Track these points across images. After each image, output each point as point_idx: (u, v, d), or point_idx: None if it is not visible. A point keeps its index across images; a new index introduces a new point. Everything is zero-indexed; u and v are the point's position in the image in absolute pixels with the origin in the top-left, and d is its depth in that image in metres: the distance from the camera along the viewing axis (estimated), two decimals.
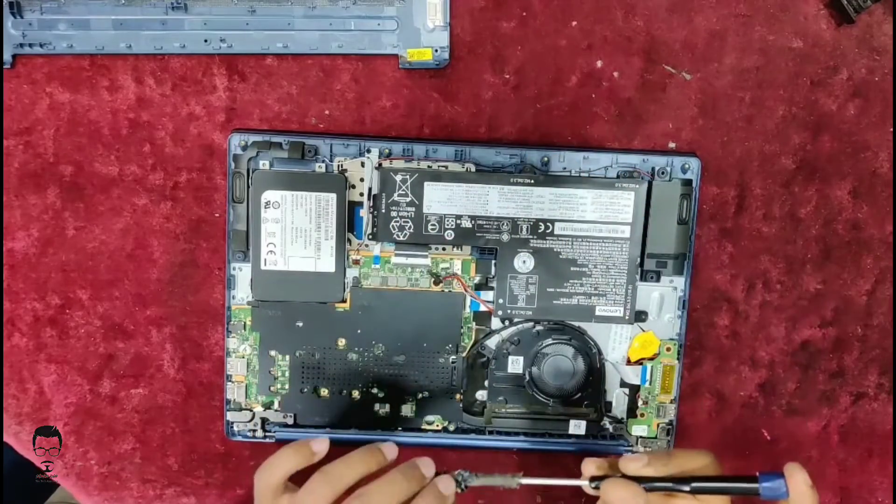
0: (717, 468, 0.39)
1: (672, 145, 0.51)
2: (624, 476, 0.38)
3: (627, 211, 0.49)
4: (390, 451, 0.41)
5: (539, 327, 0.51)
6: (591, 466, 0.39)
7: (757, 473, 0.36)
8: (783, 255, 0.52)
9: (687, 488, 0.37)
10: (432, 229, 0.49)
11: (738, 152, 0.51)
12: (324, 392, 0.52)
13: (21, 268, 0.52)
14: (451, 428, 0.53)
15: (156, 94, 0.50)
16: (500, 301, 0.50)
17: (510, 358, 0.52)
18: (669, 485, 0.37)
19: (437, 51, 0.49)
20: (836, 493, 0.55)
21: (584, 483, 0.39)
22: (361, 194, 0.49)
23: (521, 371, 0.52)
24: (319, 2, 0.49)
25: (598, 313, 0.50)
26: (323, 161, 0.49)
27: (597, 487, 0.38)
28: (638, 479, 0.38)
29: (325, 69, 0.50)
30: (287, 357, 0.51)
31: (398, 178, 0.49)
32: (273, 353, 0.51)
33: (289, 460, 0.41)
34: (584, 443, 0.52)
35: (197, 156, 0.51)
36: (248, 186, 0.49)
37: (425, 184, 0.49)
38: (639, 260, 0.50)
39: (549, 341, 0.51)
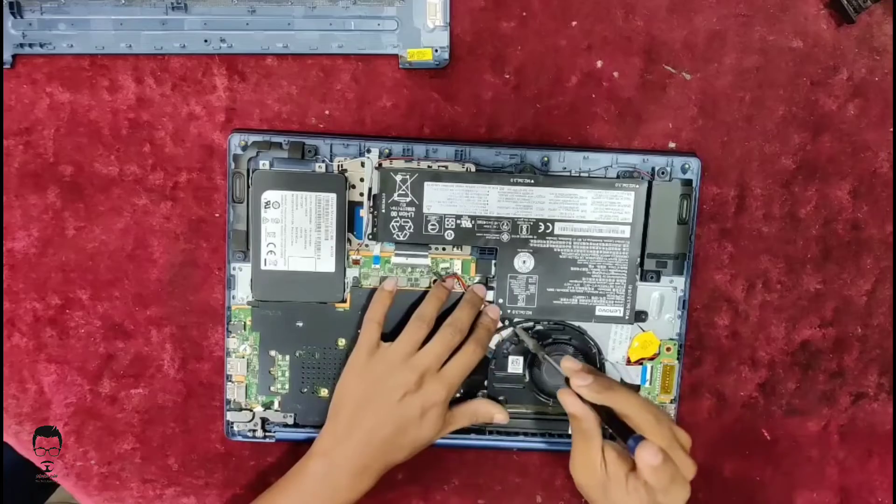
0: (642, 409, 0.43)
1: (672, 145, 0.51)
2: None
3: (627, 211, 0.49)
4: (450, 283, 0.50)
5: (539, 327, 0.51)
6: (571, 365, 0.46)
7: (630, 437, 0.41)
8: (783, 255, 0.52)
9: (605, 417, 0.43)
10: (432, 229, 0.49)
11: (738, 152, 0.51)
12: (324, 392, 0.52)
13: (21, 268, 0.52)
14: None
15: (156, 94, 0.50)
16: (500, 301, 0.50)
17: (510, 358, 0.52)
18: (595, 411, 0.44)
19: (437, 51, 0.49)
20: (836, 493, 0.55)
21: (557, 367, 0.46)
22: (361, 194, 0.49)
23: (521, 371, 0.52)
24: (319, 2, 0.49)
25: (598, 313, 0.50)
26: (323, 161, 0.49)
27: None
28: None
29: (325, 69, 0.50)
30: (287, 357, 0.51)
31: (398, 178, 0.49)
32: (273, 353, 0.51)
33: (386, 300, 0.50)
34: None
35: (197, 156, 0.51)
36: (248, 186, 0.49)
37: (425, 184, 0.49)
38: (639, 260, 0.50)
39: (549, 341, 0.51)
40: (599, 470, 0.43)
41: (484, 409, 0.50)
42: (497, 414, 0.50)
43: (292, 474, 0.48)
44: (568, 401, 0.45)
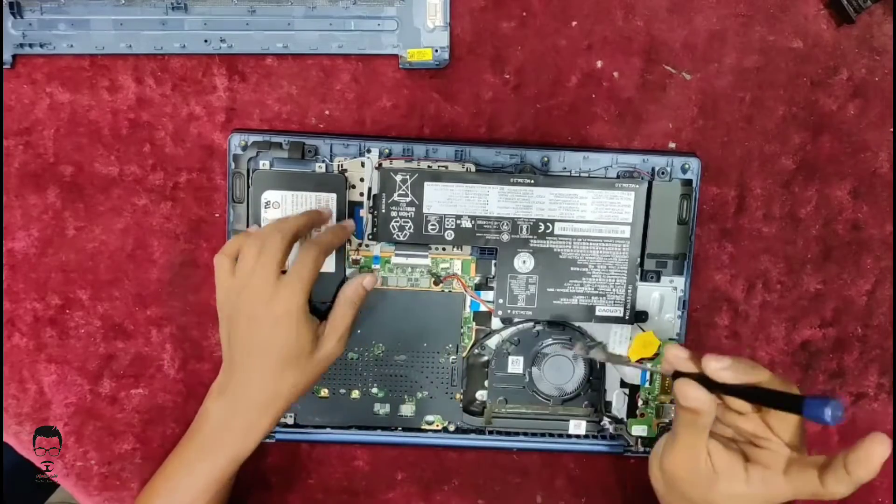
0: (783, 386, 0.38)
1: (672, 145, 0.51)
2: (699, 376, 0.38)
3: (627, 211, 0.49)
4: (326, 211, 0.49)
5: (539, 327, 0.51)
6: (673, 354, 0.39)
7: (820, 395, 0.35)
8: (783, 255, 0.52)
9: (751, 394, 0.36)
10: (432, 229, 0.49)
11: (738, 152, 0.51)
12: (324, 392, 0.52)
13: (21, 268, 0.52)
14: (451, 428, 0.53)
15: (156, 95, 0.50)
16: (500, 301, 0.50)
17: (510, 358, 0.52)
18: (728, 390, 0.37)
19: (437, 51, 0.49)
20: None
21: (655, 369, 0.41)
22: (361, 194, 0.49)
23: (521, 371, 0.52)
24: (319, 2, 0.49)
25: (598, 313, 0.50)
26: (323, 161, 0.49)
27: (674, 378, 0.39)
28: (705, 380, 0.37)
29: (325, 69, 0.50)
30: None
31: (398, 178, 0.49)
32: None
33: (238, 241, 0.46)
34: (584, 443, 0.52)
35: (197, 156, 0.51)
36: (248, 186, 0.49)
37: (425, 184, 0.49)
38: (639, 260, 0.50)
39: (549, 341, 0.51)
40: (706, 464, 0.38)
41: (352, 290, 0.47)
42: (365, 279, 0.48)
43: (195, 421, 0.47)
44: (691, 393, 0.37)
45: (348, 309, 0.47)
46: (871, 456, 0.34)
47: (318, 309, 0.47)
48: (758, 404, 0.37)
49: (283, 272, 0.44)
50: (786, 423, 0.37)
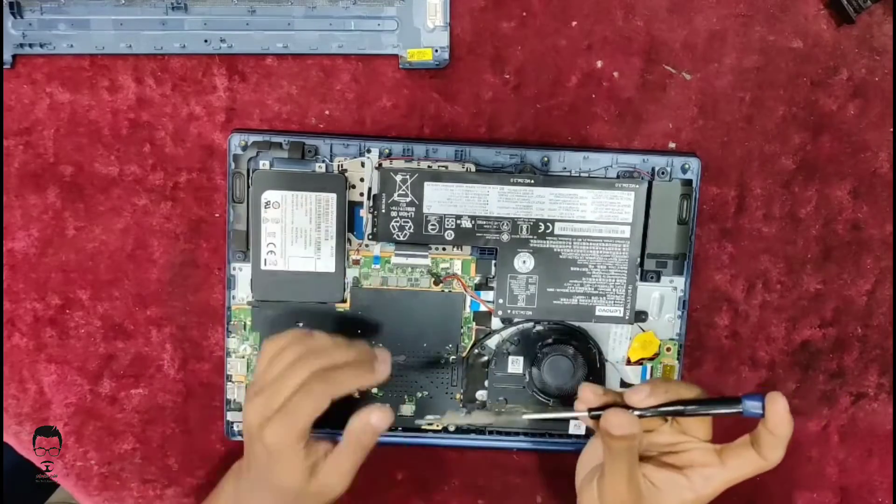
0: (692, 391, 0.40)
1: (672, 145, 0.51)
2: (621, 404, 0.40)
3: (627, 211, 0.49)
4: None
5: (539, 327, 0.51)
6: (589, 394, 0.40)
7: (740, 395, 0.39)
8: (783, 255, 0.52)
9: (683, 410, 0.39)
10: (432, 229, 0.49)
11: (738, 152, 0.51)
12: None
13: (21, 268, 0.52)
14: (451, 428, 0.53)
15: (156, 94, 0.50)
16: (500, 301, 0.50)
17: (510, 358, 0.52)
18: (671, 409, 0.39)
19: (437, 51, 0.49)
20: (836, 493, 0.55)
21: (581, 414, 0.40)
22: (361, 194, 0.49)
23: (521, 371, 0.52)
24: (319, 2, 0.49)
25: (598, 313, 0.50)
26: (323, 161, 0.49)
27: (594, 418, 0.40)
28: (634, 407, 0.39)
29: (325, 69, 0.50)
30: None
31: (398, 178, 0.49)
32: None
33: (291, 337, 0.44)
34: (584, 443, 0.52)
35: (197, 156, 0.51)
36: (248, 186, 0.49)
37: (425, 184, 0.49)
38: (639, 260, 0.50)
39: (549, 341, 0.51)
40: (646, 486, 0.40)
41: (360, 427, 0.42)
42: (373, 416, 0.42)
43: (211, 496, 0.47)
44: (622, 421, 0.38)
45: (354, 447, 0.42)
46: (781, 412, 0.38)
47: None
48: (693, 415, 0.39)
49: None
50: (699, 423, 0.40)
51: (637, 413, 0.39)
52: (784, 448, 0.39)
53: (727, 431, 0.42)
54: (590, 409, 0.40)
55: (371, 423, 0.42)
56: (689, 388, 0.40)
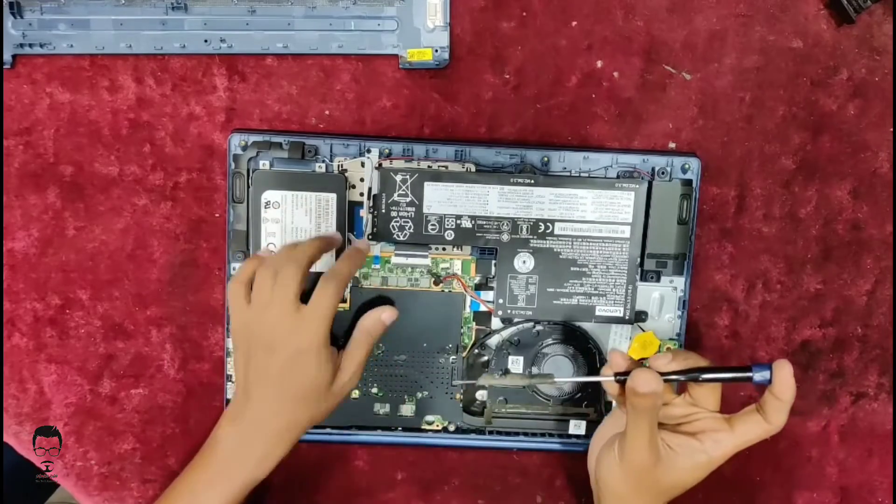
0: (703, 361, 0.43)
1: (672, 145, 0.51)
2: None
3: (627, 211, 0.49)
4: (337, 236, 0.49)
5: (539, 327, 0.51)
6: (618, 358, 0.43)
7: (750, 364, 0.42)
8: (783, 255, 0.52)
9: (699, 376, 0.42)
10: (432, 229, 0.49)
11: (738, 152, 0.51)
12: None
13: (21, 268, 0.52)
14: (451, 428, 0.53)
15: (156, 94, 0.50)
16: (500, 301, 0.50)
17: (510, 358, 0.52)
18: (686, 376, 0.42)
19: (437, 51, 0.49)
20: (836, 493, 0.55)
21: (608, 378, 0.43)
22: (361, 194, 0.49)
23: (521, 371, 0.52)
24: (319, 2, 0.49)
25: (598, 313, 0.50)
26: (323, 161, 0.49)
27: (619, 381, 0.42)
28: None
29: (325, 69, 0.50)
30: None
31: (398, 178, 0.49)
32: None
33: (251, 265, 0.46)
34: (584, 443, 0.52)
35: (197, 156, 0.51)
36: (248, 186, 0.49)
37: (425, 184, 0.49)
38: (639, 260, 0.50)
39: (549, 341, 0.51)
40: (664, 448, 0.42)
41: (371, 323, 0.47)
42: (384, 312, 0.47)
43: (205, 447, 0.47)
44: (648, 378, 0.40)
45: (365, 343, 0.47)
46: (786, 378, 0.40)
47: (336, 337, 0.46)
48: (708, 381, 0.42)
49: (302, 301, 0.44)
50: (709, 395, 0.43)
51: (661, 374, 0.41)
52: (787, 413, 0.41)
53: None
54: (616, 374, 0.42)
55: (382, 318, 0.47)
56: (704, 360, 0.43)
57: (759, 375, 0.41)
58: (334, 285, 0.44)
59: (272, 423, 0.45)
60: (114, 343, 0.52)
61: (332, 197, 0.49)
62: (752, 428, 0.42)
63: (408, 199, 0.49)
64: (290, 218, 0.49)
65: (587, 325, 0.51)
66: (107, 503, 0.54)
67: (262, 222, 0.49)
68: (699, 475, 0.42)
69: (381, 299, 0.51)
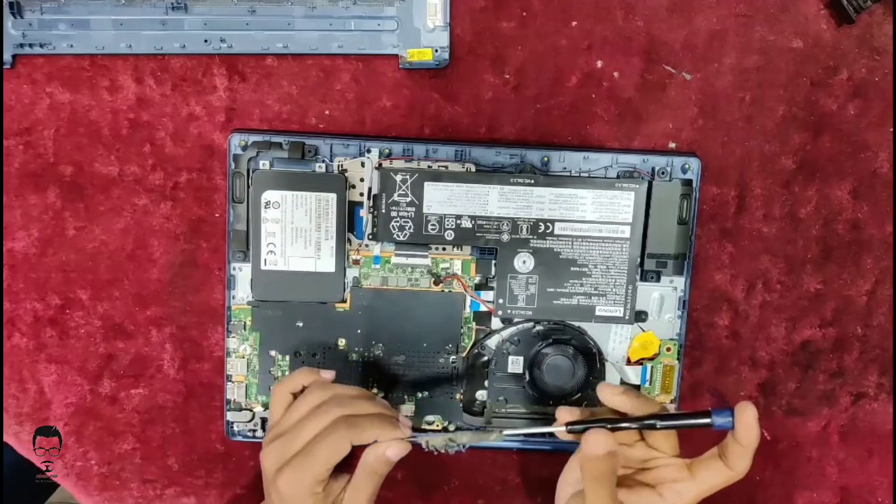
0: (653, 407, 0.41)
1: (672, 145, 0.51)
2: (597, 420, 0.41)
3: (627, 211, 0.49)
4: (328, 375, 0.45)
5: (539, 327, 0.51)
6: (565, 414, 0.41)
7: (709, 408, 0.39)
8: (783, 255, 0.52)
9: (655, 423, 0.39)
10: (432, 229, 0.49)
11: (738, 152, 0.51)
12: None
13: (21, 268, 0.52)
14: (451, 428, 0.53)
15: (156, 94, 0.50)
16: (500, 301, 0.50)
17: (510, 358, 0.52)
18: (640, 424, 0.40)
19: (437, 51, 0.49)
20: (836, 493, 0.55)
21: (560, 429, 0.41)
22: (361, 194, 0.49)
23: (521, 371, 0.52)
24: (319, 2, 0.49)
25: (598, 313, 0.50)
26: (323, 161, 0.49)
27: (571, 432, 0.40)
28: (608, 421, 0.40)
29: (325, 69, 0.50)
30: (287, 357, 0.51)
31: (398, 178, 0.49)
32: (273, 353, 0.51)
33: (303, 377, 0.44)
34: None
35: (197, 156, 0.51)
36: (248, 186, 0.49)
37: (425, 184, 0.49)
38: (639, 260, 0.50)
39: (549, 341, 0.51)
40: None
41: (374, 458, 0.41)
42: (389, 449, 0.41)
43: None
44: (602, 439, 0.38)
45: (368, 480, 0.42)
46: (749, 422, 0.38)
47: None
48: (664, 429, 0.40)
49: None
50: (667, 439, 0.41)
51: (611, 427, 0.39)
52: (750, 458, 0.39)
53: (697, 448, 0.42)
54: (567, 424, 0.41)
55: (387, 455, 0.41)
56: (654, 403, 0.41)
57: (719, 420, 0.38)
58: (340, 435, 0.40)
59: None
60: (114, 343, 0.52)
61: (332, 197, 0.49)
62: (713, 476, 0.40)
63: (408, 199, 0.49)
64: (290, 218, 0.49)
65: (587, 325, 0.51)
66: (107, 503, 0.54)
67: (262, 222, 0.49)
68: None
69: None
